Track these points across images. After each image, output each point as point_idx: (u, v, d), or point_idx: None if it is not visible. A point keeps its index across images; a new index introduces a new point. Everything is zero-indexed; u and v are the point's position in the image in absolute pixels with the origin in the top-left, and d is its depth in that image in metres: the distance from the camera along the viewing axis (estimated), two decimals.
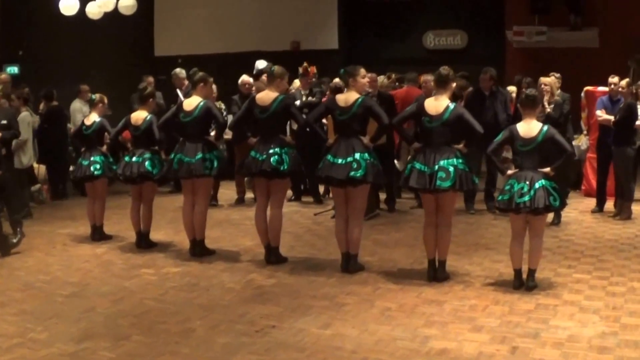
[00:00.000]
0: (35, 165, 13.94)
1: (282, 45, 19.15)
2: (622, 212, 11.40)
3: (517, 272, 7.75)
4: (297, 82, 13.42)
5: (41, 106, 14.33)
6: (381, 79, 13.41)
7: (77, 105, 14.67)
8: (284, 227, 9.18)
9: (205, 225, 9.33)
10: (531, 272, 7.73)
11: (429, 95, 9.58)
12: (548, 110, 10.22)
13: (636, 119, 11.22)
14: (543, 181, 7.57)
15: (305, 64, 13.23)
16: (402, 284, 7.95)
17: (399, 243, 9.87)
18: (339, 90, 10.56)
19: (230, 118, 11.86)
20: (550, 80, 10.84)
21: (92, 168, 10.17)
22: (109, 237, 10.34)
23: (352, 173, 8.10)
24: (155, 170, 9.63)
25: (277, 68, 9.03)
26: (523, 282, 7.72)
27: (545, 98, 10.41)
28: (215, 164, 9.14)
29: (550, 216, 10.80)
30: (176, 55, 19.62)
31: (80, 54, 20.78)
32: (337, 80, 12.10)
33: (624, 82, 11.79)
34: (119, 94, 14.53)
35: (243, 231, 10.55)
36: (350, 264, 8.45)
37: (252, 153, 8.80)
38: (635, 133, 11.42)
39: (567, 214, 11.44)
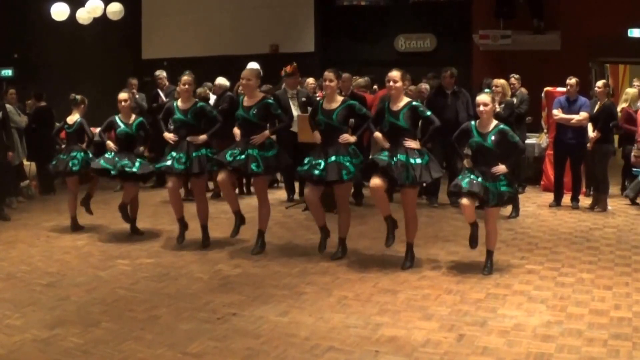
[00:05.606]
0: (26, 162, 13.89)
1: (262, 49, 19.14)
2: (599, 205, 11.57)
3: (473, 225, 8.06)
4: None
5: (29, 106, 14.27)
6: (356, 79, 13.36)
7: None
8: (254, 221, 9.15)
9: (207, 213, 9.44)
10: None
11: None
12: (498, 109, 10.24)
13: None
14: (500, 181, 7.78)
15: (294, 65, 12.84)
16: (360, 274, 7.90)
17: (362, 235, 9.77)
18: None
19: None
20: (502, 82, 10.92)
21: (70, 164, 10.26)
22: (81, 228, 10.42)
23: (344, 176, 8.18)
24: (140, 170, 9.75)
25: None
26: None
27: (496, 98, 10.43)
28: None
29: (508, 210, 10.85)
30: (162, 58, 19.52)
31: (71, 57, 20.81)
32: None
33: (600, 83, 11.86)
34: (108, 95, 14.47)
35: (216, 224, 10.39)
36: (339, 248, 8.61)
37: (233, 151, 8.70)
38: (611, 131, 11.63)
39: (525, 208, 11.47)
